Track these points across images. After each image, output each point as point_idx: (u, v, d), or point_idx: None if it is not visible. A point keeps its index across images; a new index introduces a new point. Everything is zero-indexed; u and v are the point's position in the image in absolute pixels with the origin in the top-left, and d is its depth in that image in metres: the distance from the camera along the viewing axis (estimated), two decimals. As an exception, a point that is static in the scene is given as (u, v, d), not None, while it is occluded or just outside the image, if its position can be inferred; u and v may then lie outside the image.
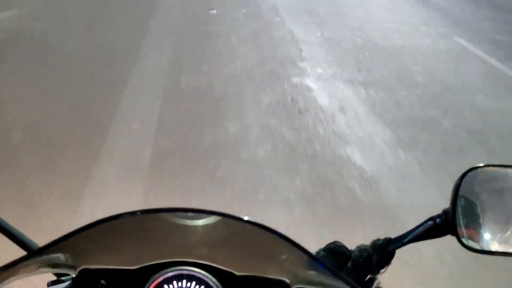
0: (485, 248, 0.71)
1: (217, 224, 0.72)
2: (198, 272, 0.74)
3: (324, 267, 0.65)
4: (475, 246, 0.70)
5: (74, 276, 0.70)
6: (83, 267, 0.71)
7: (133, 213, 0.62)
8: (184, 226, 0.73)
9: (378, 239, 0.77)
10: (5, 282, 0.63)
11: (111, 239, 0.72)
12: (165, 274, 0.74)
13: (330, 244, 0.78)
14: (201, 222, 0.73)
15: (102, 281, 0.72)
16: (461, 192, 0.70)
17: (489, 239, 0.71)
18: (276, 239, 0.65)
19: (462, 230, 0.71)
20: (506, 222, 0.72)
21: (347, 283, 0.65)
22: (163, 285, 0.74)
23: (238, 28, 6.53)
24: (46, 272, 0.71)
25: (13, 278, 0.63)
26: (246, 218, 0.64)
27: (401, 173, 3.45)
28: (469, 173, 0.71)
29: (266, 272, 0.74)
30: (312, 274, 0.70)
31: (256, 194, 3.11)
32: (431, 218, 0.74)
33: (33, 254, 0.64)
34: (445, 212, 0.72)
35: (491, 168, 0.72)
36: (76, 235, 0.62)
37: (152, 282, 0.74)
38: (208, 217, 0.72)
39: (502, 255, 0.71)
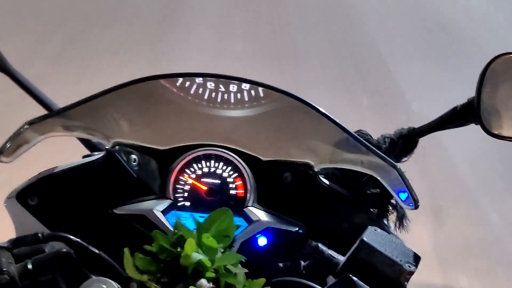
0: (509, 135, 0.72)
1: (247, 108, 0.74)
2: (226, 153, 0.77)
3: (358, 141, 0.67)
4: (498, 132, 0.72)
5: (108, 147, 0.73)
6: (116, 140, 0.73)
7: (166, 76, 0.64)
8: (213, 112, 0.75)
9: (402, 128, 0.79)
10: (41, 137, 0.66)
11: (144, 113, 0.74)
12: (195, 153, 0.77)
13: (354, 132, 0.80)
14: (231, 110, 0.75)
15: (134, 156, 0.75)
16: (486, 79, 0.71)
17: (512, 126, 0.72)
18: (310, 113, 0.67)
19: (486, 117, 0.72)
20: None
21: (380, 157, 0.67)
22: (192, 163, 0.77)
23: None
24: (81, 135, 0.74)
25: (47, 134, 0.66)
26: (280, 88, 0.66)
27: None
28: (496, 60, 0.72)
29: (291, 156, 0.76)
30: (338, 152, 0.72)
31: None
32: (456, 107, 0.75)
33: (62, 111, 0.66)
34: (470, 100, 0.73)
35: None
36: (103, 97, 0.64)
37: (182, 159, 0.76)
38: (236, 103, 0.74)
39: None
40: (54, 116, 0.63)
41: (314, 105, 0.66)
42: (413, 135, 0.77)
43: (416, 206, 0.63)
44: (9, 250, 0.60)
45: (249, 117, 0.75)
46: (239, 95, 0.74)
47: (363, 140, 0.66)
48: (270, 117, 0.75)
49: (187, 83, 0.72)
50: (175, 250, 0.55)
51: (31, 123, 0.62)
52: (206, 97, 0.74)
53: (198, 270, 0.54)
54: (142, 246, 0.56)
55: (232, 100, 0.74)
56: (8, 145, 0.61)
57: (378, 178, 0.68)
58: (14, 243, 0.63)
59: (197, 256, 0.54)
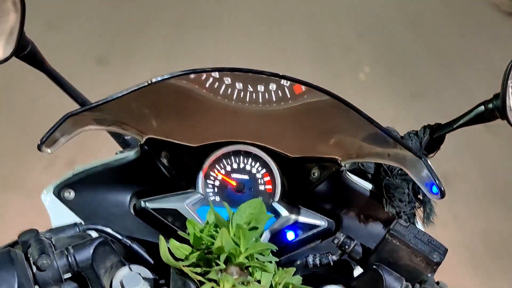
0: None
1: (275, 106, 0.76)
2: (254, 150, 0.79)
3: (386, 133, 0.67)
4: (526, 127, 0.72)
5: (141, 143, 0.76)
6: (149, 136, 0.76)
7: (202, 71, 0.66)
8: (242, 110, 0.77)
9: (429, 124, 0.79)
10: (79, 130, 0.68)
11: (175, 111, 0.76)
12: (224, 150, 0.79)
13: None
14: (260, 106, 0.76)
15: (165, 152, 0.77)
16: None
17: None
18: (338, 108, 0.67)
19: None
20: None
21: (407, 148, 0.67)
22: (221, 160, 0.79)
23: None
24: (116, 130, 0.77)
25: (85, 127, 0.68)
26: (314, 84, 0.67)
27: None
28: None
29: (318, 152, 0.78)
30: (365, 146, 0.73)
31: None
32: (482, 103, 0.75)
33: (100, 104, 0.67)
34: (495, 96, 0.73)
35: None
36: (135, 93, 0.66)
37: (213, 156, 0.79)
38: (264, 102, 0.75)
39: None
40: (92, 108, 0.66)
41: (344, 99, 0.67)
42: (440, 131, 0.78)
43: (442, 196, 0.63)
44: (49, 239, 0.63)
45: (277, 115, 0.77)
46: (266, 95, 0.75)
47: (391, 132, 0.67)
48: (298, 114, 0.76)
49: (216, 84, 0.74)
50: (209, 238, 0.57)
51: (72, 114, 0.64)
52: (235, 96, 0.76)
53: (230, 258, 0.56)
54: (176, 233, 0.58)
55: (260, 100, 0.76)
56: (49, 135, 0.63)
57: (404, 169, 0.68)
58: (53, 232, 0.66)
59: (230, 244, 0.56)
